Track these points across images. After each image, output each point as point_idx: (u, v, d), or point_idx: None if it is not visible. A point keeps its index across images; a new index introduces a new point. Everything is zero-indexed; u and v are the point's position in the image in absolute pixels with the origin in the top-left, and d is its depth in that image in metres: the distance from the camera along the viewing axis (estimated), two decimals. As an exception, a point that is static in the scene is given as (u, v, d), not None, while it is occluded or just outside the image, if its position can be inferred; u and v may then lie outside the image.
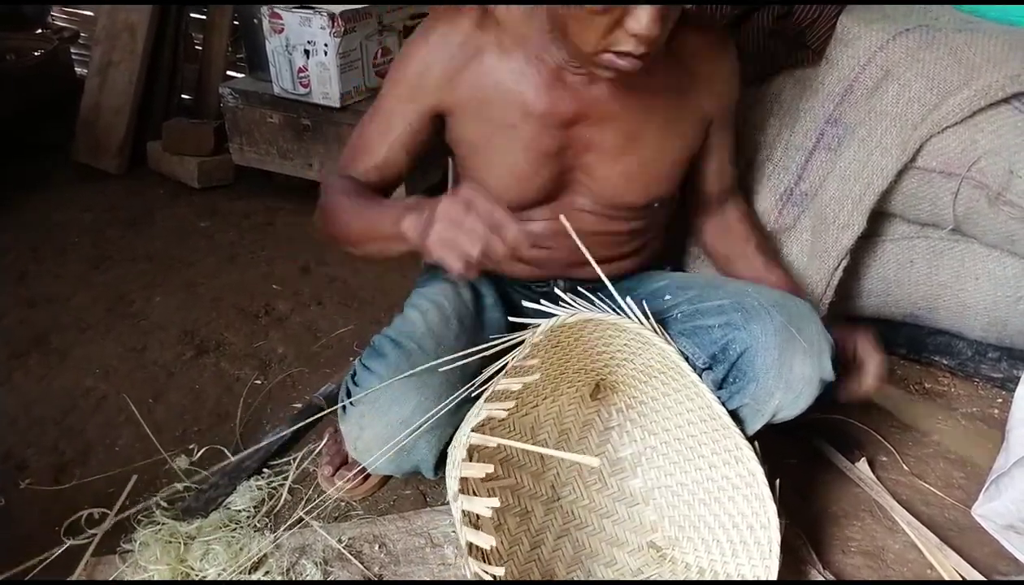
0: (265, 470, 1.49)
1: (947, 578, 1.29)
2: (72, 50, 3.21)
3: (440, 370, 1.09)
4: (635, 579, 1.22)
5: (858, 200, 1.45)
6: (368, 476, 1.44)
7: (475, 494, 1.14)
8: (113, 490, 1.42)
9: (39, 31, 3.19)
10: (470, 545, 0.95)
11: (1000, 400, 1.71)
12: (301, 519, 1.37)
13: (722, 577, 1.16)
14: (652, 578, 1.22)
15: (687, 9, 1.04)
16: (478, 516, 1.05)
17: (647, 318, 1.08)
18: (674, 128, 1.17)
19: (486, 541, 0.92)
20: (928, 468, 1.55)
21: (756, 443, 1.10)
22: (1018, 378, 1.33)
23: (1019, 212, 1.41)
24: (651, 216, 1.27)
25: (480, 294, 1.31)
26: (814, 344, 1.09)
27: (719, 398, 1.11)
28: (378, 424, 1.09)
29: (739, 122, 1.60)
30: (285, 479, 1.46)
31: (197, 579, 1.24)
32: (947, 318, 1.64)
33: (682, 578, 1.20)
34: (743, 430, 1.12)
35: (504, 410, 1.00)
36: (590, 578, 1.22)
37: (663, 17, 0.93)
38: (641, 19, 0.91)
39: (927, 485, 1.50)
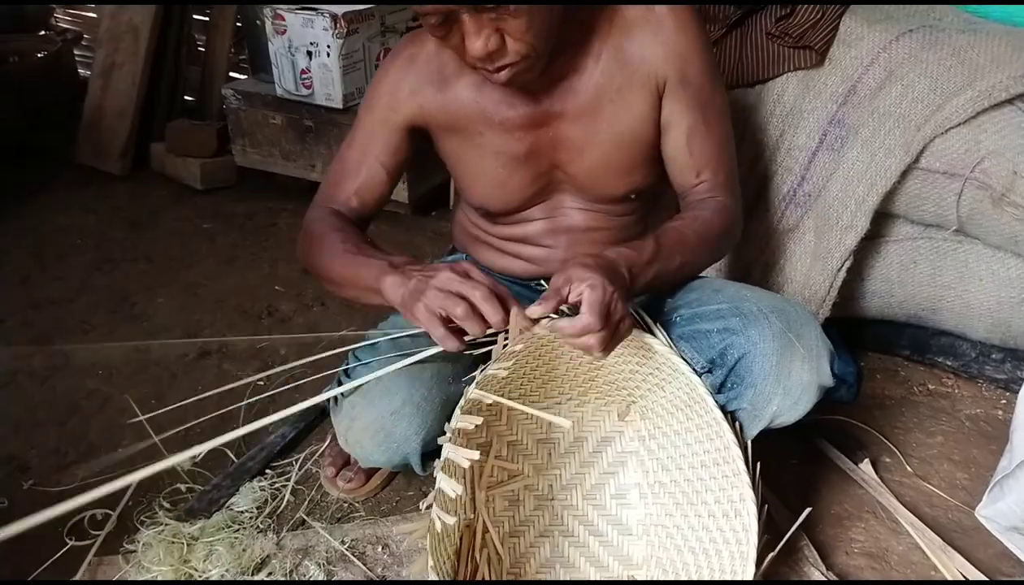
0: (268, 471, 1.49)
1: (950, 580, 1.29)
2: (75, 52, 3.21)
3: (432, 364, 1.09)
4: (632, 579, 1.22)
5: (861, 201, 1.45)
6: (370, 477, 1.44)
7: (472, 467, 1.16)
8: (116, 491, 1.42)
9: (42, 33, 3.20)
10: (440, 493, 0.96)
11: (1004, 401, 1.71)
12: (304, 520, 1.38)
13: None
14: None
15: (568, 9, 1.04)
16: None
17: (651, 324, 1.08)
18: (628, 107, 1.13)
19: (453, 489, 0.94)
20: (932, 469, 1.54)
21: (766, 507, 1.08)
22: (1022, 379, 1.33)
23: (1023, 213, 1.41)
24: (639, 209, 1.26)
25: None
26: (813, 350, 1.08)
27: (718, 403, 1.10)
28: (368, 415, 1.09)
29: (740, 124, 1.61)
30: (288, 480, 1.46)
31: (200, 579, 1.24)
32: (951, 319, 1.64)
33: None
34: (742, 434, 1.12)
35: (505, 369, 1.01)
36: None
37: (487, 34, 0.94)
38: (473, 43, 0.94)
39: (931, 486, 1.50)
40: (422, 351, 1.03)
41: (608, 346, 0.96)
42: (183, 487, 1.45)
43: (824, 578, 1.27)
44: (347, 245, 1.12)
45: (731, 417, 1.12)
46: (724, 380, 1.10)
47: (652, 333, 1.10)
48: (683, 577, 1.18)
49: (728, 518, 1.12)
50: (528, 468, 1.27)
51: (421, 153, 1.26)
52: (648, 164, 1.20)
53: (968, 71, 1.41)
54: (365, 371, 1.10)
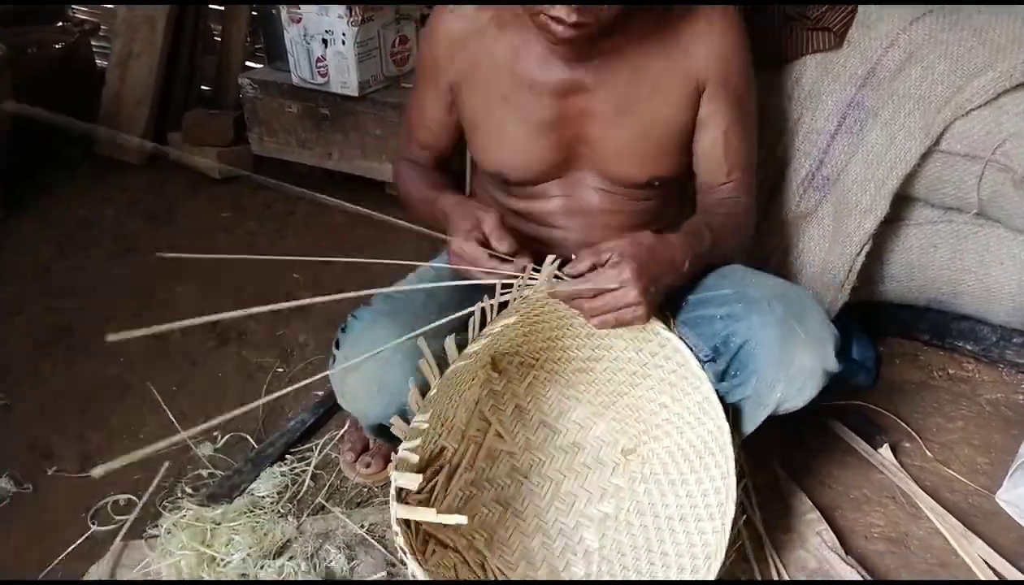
0: (288, 457, 1.50)
1: (971, 563, 1.29)
2: (92, 43, 3.23)
3: (425, 313, 1.09)
4: (628, 579, 1.22)
5: (881, 184, 1.44)
6: (388, 462, 1.45)
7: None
8: (139, 477, 1.44)
9: (60, 24, 3.21)
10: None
11: (1025, 386, 1.70)
12: (323, 505, 1.39)
13: None
14: None
15: None
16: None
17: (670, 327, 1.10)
18: (664, 95, 1.16)
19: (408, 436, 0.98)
20: (952, 454, 1.54)
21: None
22: (1044, 363, 1.32)
23: (1045, 195, 1.39)
24: (657, 198, 1.26)
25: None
26: (816, 336, 1.08)
27: (720, 391, 1.10)
28: (361, 366, 1.09)
29: (758, 109, 1.59)
30: (308, 465, 1.47)
31: (202, 579, 1.25)
32: (971, 303, 1.63)
33: None
34: (744, 423, 1.12)
35: (505, 325, 1.06)
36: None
37: None
38: None
39: (951, 471, 1.49)
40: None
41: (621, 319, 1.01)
42: (205, 473, 1.47)
43: (844, 564, 1.27)
44: (420, 185, 1.29)
45: (735, 409, 1.11)
46: (727, 367, 1.10)
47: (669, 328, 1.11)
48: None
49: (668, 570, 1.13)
50: (521, 439, 1.27)
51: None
52: (674, 153, 1.21)
53: (989, 52, 1.39)
54: (358, 325, 1.12)
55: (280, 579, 1.24)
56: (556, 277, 1.05)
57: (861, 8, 1.49)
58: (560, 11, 0.98)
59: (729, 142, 1.20)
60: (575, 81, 1.14)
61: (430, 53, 1.24)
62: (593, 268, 1.02)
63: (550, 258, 1.06)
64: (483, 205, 1.14)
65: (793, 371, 1.07)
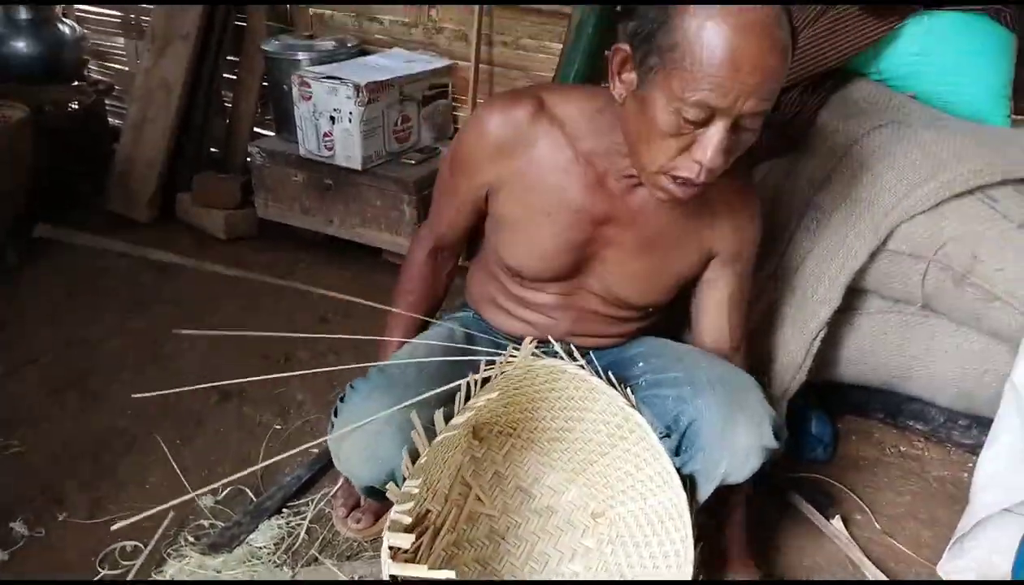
0: (285, 510, 1.61)
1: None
2: (106, 101, 3.38)
3: (415, 388, 1.20)
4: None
5: (834, 278, 1.59)
6: (378, 519, 1.56)
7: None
8: (145, 525, 1.54)
9: (76, 83, 3.37)
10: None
11: (971, 464, 1.81)
12: (316, 557, 1.50)
13: None
14: None
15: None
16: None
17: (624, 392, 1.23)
18: (681, 247, 1.29)
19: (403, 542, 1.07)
20: (899, 527, 1.66)
21: None
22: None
23: (983, 294, 1.54)
24: (646, 318, 1.41)
25: (475, 341, 1.43)
26: (755, 416, 1.20)
27: (675, 464, 1.22)
28: (356, 436, 1.20)
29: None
30: (303, 519, 1.58)
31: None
32: (919, 387, 1.77)
33: None
34: (698, 493, 1.24)
35: (487, 400, 1.17)
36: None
37: (728, 149, 1.00)
38: (707, 149, 0.99)
39: (897, 543, 1.61)
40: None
41: None
42: (206, 523, 1.57)
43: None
44: (405, 301, 1.43)
45: (688, 481, 1.23)
46: (679, 443, 1.23)
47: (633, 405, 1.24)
48: None
49: None
50: (499, 503, 1.39)
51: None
52: (671, 293, 1.35)
53: (932, 164, 1.56)
54: (356, 397, 1.23)
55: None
56: (534, 355, 1.18)
57: (819, 120, 1.66)
58: (691, 172, 1.03)
59: (732, 309, 1.37)
60: (615, 213, 1.23)
61: (473, 148, 1.25)
62: None
63: (528, 339, 1.20)
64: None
65: (736, 447, 1.19)
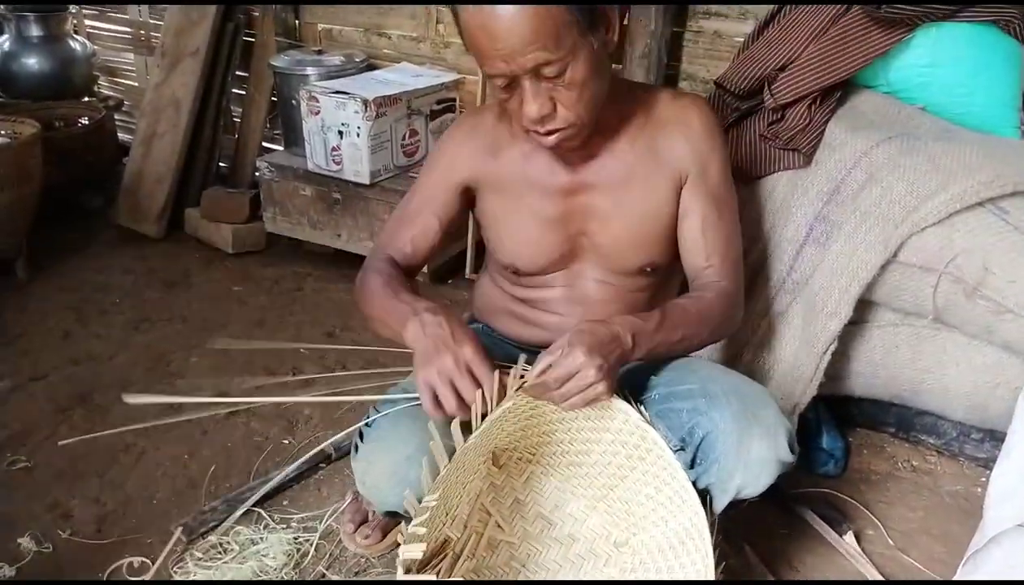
0: (294, 525, 1.60)
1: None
2: (116, 116, 3.40)
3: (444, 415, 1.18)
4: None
5: (844, 290, 1.58)
6: (386, 535, 1.55)
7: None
8: (151, 541, 1.54)
9: (86, 99, 3.39)
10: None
11: (984, 479, 1.80)
12: (324, 574, 1.49)
13: None
14: None
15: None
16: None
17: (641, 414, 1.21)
18: (652, 190, 1.31)
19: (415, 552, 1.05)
20: (912, 542, 1.64)
21: None
22: (998, 459, 1.43)
23: (994, 306, 1.53)
24: (649, 288, 1.40)
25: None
26: (770, 429, 1.19)
27: (690, 477, 1.20)
28: (385, 460, 1.20)
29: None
30: (312, 535, 1.57)
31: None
32: (931, 401, 1.75)
33: None
34: (712, 507, 1.23)
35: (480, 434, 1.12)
36: None
37: (546, 97, 1.12)
38: (525, 102, 1.12)
39: (910, 559, 1.60)
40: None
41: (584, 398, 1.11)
42: (214, 539, 1.56)
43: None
44: (387, 288, 1.28)
45: (703, 496, 1.21)
46: (693, 457, 1.22)
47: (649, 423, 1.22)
48: None
49: None
50: (520, 530, 1.37)
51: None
52: (663, 242, 1.35)
53: (942, 176, 1.55)
54: (384, 422, 1.22)
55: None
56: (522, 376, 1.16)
57: (828, 132, 1.66)
58: (531, 124, 1.15)
59: (706, 230, 1.32)
60: (578, 181, 1.30)
61: (449, 154, 1.37)
62: (550, 365, 1.11)
63: (521, 361, 1.17)
64: (461, 324, 1.17)
65: (750, 460, 1.18)
